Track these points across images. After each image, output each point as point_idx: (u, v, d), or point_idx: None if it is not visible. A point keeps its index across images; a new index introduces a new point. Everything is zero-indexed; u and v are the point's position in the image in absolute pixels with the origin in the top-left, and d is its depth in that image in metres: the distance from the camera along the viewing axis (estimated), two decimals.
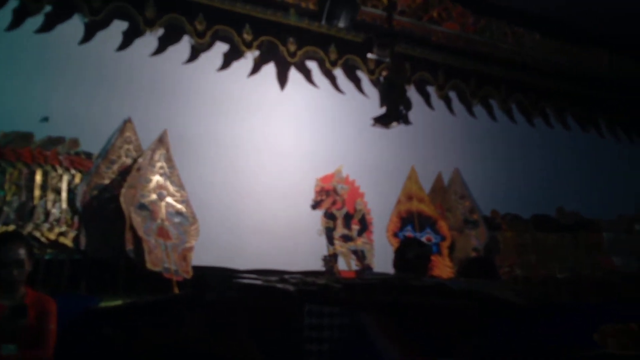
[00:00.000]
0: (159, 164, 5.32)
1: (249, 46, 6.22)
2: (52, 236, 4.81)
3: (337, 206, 6.14)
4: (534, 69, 8.12)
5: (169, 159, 5.38)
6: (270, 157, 6.15)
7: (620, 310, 4.90)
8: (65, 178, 5.05)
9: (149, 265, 4.87)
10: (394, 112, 5.99)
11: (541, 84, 8.19)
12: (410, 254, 4.83)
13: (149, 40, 5.82)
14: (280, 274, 4.55)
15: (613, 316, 4.26)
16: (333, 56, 6.67)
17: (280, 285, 3.56)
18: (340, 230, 6.10)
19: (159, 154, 5.35)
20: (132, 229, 4.94)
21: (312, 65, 6.67)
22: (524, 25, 8.13)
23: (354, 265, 6.02)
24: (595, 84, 8.63)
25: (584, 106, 8.54)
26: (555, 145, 8.09)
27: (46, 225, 4.83)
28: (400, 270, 4.79)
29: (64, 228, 4.90)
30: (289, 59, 6.43)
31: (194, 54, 6.05)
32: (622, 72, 8.88)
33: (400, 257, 4.87)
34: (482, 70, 7.72)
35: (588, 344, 3.96)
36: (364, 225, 6.25)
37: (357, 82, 6.87)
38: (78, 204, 4.94)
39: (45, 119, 5.13)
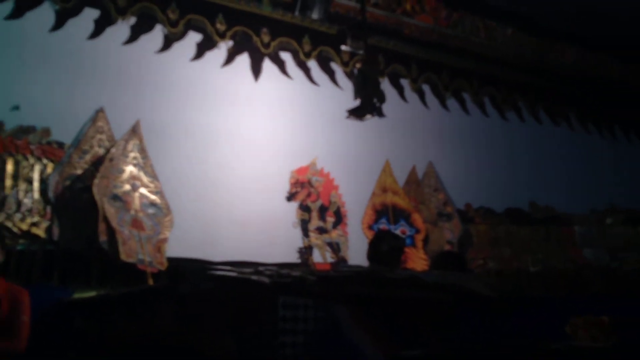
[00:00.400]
0: (132, 155, 5.26)
1: (222, 36, 6.19)
2: (24, 226, 4.74)
3: (312, 198, 6.14)
4: (506, 63, 8.19)
5: (142, 150, 5.32)
6: (244, 149, 6.12)
7: (591, 303, 4.98)
8: (37, 168, 4.98)
9: (122, 257, 4.82)
10: (367, 104, 5.99)
11: (513, 78, 8.27)
12: (384, 247, 4.84)
13: (121, 29, 5.76)
14: (255, 265, 4.54)
15: (584, 309, 4.32)
16: (307, 48, 6.66)
17: (255, 277, 3.55)
18: (315, 223, 6.09)
19: (132, 144, 5.29)
20: (106, 220, 4.88)
21: (286, 56, 6.65)
22: (496, 20, 8.19)
23: (329, 257, 6.02)
24: (566, 79, 8.73)
25: (555, 100, 8.64)
26: (529, 139, 8.16)
27: (18, 216, 4.76)
28: (373, 262, 4.81)
29: (36, 218, 4.83)
30: (262, 49, 6.40)
31: (167, 44, 5.99)
32: (592, 68, 8.99)
33: (374, 249, 4.88)
34: (454, 63, 7.78)
35: (559, 336, 4.01)
36: (339, 218, 6.26)
37: (331, 74, 6.86)
38: (50, 194, 4.87)
39: (16, 108, 5.05)
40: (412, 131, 7.17)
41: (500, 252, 7.04)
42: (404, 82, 7.38)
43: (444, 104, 7.63)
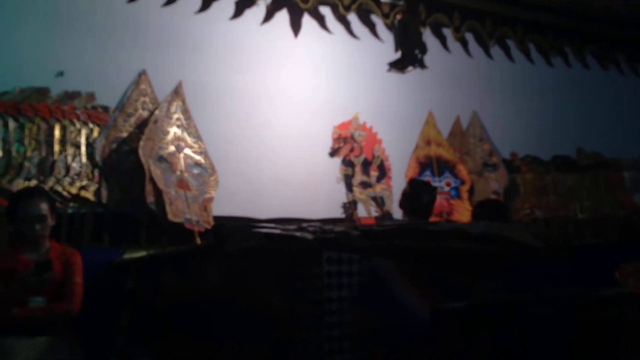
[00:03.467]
0: (175, 116, 5.32)
1: None
2: (73, 190, 4.86)
3: (355, 153, 6.13)
4: (551, 8, 7.96)
5: (185, 111, 5.39)
6: (286, 106, 6.12)
7: None
8: (84, 132, 5.08)
9: (170, 217, 4.92)
10: (409, 56, 5.92)
11: (558, 23, 8.03)
12: (425, 199, 4.75)
13: None
14: (299, 222, 4.57)
15: (634, 255, 4.27)
16: (346, 1, 6.56)
17: (298, 234, 3.56)
18: (358, 177, 6.09)
19: (175, 105, 5.35)
20: (152, 181, 4.98)
21: (325, 10, 6.58)
22: None
23: (374, 211, 6.03)
24: (614, 22, 8.46)
25: (603, 44, 8.39)
26: (574, 84, 7.97)
27: (67, 180, 4.87)
28: (414, 216, 4.72)
29: (85, 182, 4.95)
30: (301, 5, 6.34)
31: (206, 3, 5.97)
32: None
33: (415, 201, 4.77)
34: (498, 10, 7.57)
35: (609, 283, 3.97)
36: (383, 172, 6.24)
37: (371, 27, 6.76)
38: (97, 157, 4.97)
39: (61, 74, 5.13)
40: (455, 81, 7.06)
41: (547, 200, 6.97)
42: (447, 32, 7.24)
43: (487, 53, 7.48)
